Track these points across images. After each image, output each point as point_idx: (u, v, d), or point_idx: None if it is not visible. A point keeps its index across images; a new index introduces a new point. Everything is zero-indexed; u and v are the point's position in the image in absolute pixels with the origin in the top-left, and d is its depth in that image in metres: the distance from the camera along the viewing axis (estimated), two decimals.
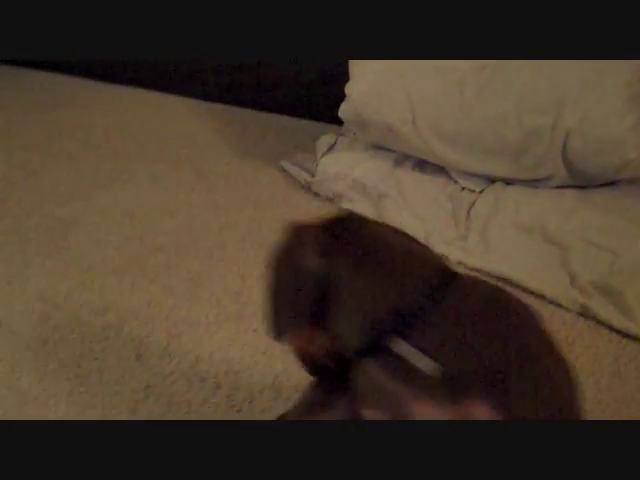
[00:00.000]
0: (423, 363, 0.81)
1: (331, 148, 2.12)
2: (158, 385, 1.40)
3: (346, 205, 1.98)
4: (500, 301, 0.88)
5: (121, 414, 1.33)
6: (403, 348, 0.82)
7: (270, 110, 2.70)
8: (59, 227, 1.95)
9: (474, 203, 1.85)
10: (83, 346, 1.50)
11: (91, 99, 2.90)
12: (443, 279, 0.87)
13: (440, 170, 1.98)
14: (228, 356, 1.46)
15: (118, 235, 1.91)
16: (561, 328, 1.52)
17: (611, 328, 1.52)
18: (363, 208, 1.94)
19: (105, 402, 1.36)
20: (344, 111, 2.02)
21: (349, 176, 1.98)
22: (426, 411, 0.81)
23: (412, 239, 0.98)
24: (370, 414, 0.88)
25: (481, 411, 0.77)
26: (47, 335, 1.53)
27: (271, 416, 1.30)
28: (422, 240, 1.78)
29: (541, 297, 1.60)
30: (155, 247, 1.85)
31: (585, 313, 1.56)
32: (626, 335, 1.50)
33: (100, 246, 1.86)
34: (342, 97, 2.03)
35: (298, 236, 0.95)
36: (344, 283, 0.89)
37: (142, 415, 1.32)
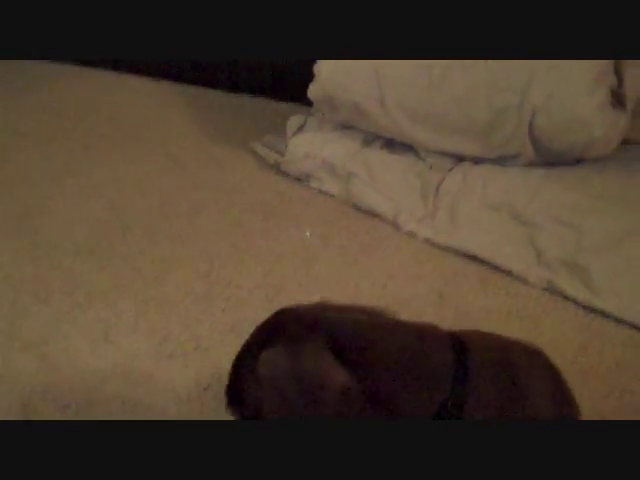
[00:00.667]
0: None
1: (301, 128, 2.12)
2: (126, 363, 1.40)
3: (315, 184, 1.98)
4: (509, 365, 0.92)
5: (89, 394, 1.33)
6: None
7: (243, 91, 2.68)
8: (28, 209, 1.93)
9: (443, 181, 1.86)
10: (50, 325, 1.50)
11: (62, 82, 2.86)
12: (459, 359, 0.89)
13: (409, 149, 1.98)
14: (196, 334, 1.46)
15: (87, 217, 1.89)
16: (528, 304, 1.54)
17: (577, 303, 1.54)
18: (332, 187, 1.94)
19: (73, 381, 1.35)
20: (313, 91, 2.01)
21: (318, 156, 1.98)
22: None
23: (399, 322, 0.97)
24: None
25: None
26: (13, 315, 1.52)
27: None
28: (390, 218, 1.81)
29: (508, 273, 1.62)
30: (124, 229, 1.83)
31: (551, 289, 1.57)
32: (592, 310, 1.52)
33: (69, 228, 1.84)
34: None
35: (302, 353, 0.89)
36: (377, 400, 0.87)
37: (109, 393, 1.32)
